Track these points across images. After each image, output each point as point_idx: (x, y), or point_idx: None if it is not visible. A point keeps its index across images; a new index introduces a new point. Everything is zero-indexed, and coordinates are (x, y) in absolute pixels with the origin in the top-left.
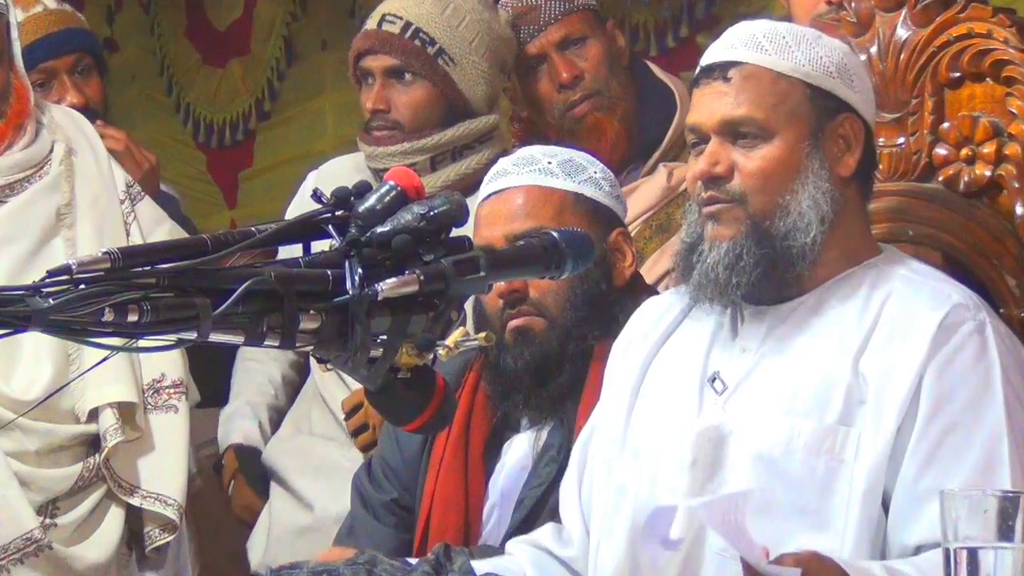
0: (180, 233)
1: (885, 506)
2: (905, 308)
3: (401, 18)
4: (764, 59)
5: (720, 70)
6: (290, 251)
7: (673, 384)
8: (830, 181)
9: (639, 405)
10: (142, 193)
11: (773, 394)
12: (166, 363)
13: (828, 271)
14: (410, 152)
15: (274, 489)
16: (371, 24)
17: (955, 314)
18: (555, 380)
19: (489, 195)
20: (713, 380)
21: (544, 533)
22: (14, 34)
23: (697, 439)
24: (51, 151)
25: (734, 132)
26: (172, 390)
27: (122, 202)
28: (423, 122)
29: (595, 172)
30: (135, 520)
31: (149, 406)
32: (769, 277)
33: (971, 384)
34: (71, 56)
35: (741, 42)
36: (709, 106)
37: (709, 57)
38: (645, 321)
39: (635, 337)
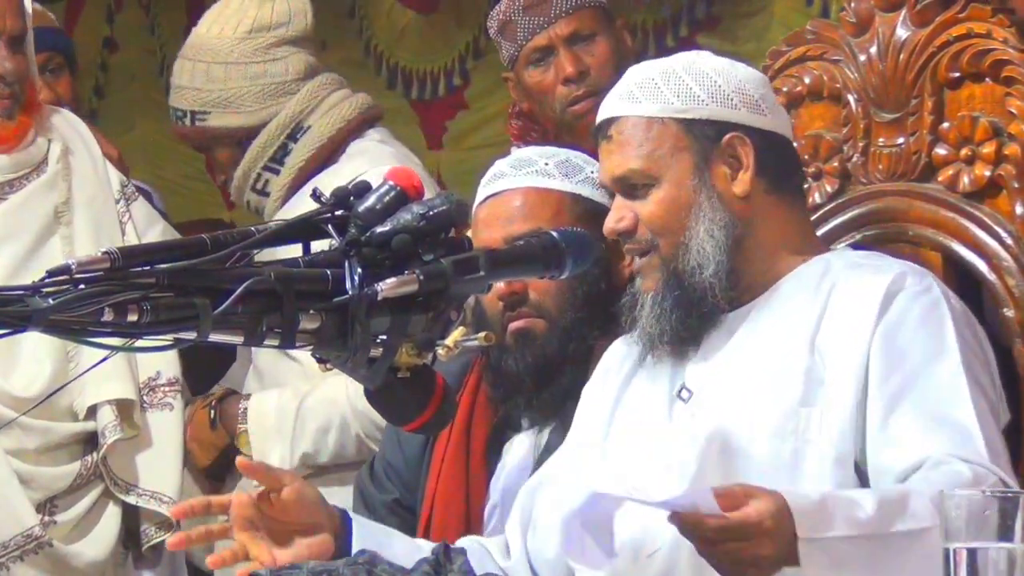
0: (174, 233)
1: (859, 473)
2: (853, 284)
3: (172, 107)
4: (635, 109)
5: (604, 129)
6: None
7: (645, 407)
8: (726, 208)
9: (614, 430)
10: (136, 193)
11: (735, 388)
12: (162, 361)
13: (773, 273)
14: (240, 199)
15: None
16: None
17: (900, 279)
18: (556, 381)
19: (486, 197)
20: (680, 392)
21: (491, 542)
22: (31, 24)
23: (668, 444)
24: (48, 150)
25: (627, 186)
26: (168, 388)
27: (117, 202)
28: (234, 169)
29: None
30: (131, 518)
31: (145, 404)
32: (689, 315)
33: (923, 339)
34: (42, 55)
35: (618, 95)
36: (604, 166)
37: (599, 113)
38: (615, 358)
39: (611, 369)
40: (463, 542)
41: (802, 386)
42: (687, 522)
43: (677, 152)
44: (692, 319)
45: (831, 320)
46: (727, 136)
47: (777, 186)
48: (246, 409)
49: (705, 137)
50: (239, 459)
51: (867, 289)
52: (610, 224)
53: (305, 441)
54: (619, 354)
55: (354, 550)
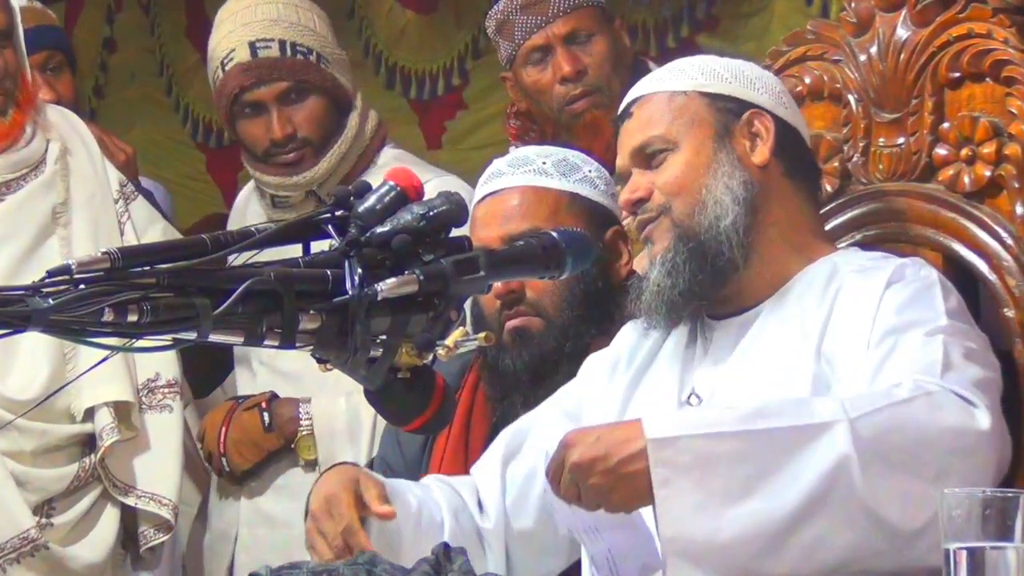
0: (173, 233)
1: None
2: (856, 288)
3: (274, 39)
4: (659, 86)
5: (626, 111)
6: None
7: (654, 408)
8: (744, 169)
9: None
10: (135, 192)
11: (745, 394)
12: (161, 363)
13: (783, 271)
14: (323, 175)
15: (242, 513)
16: (241, 57)
17: (899, 271)
18: (553, 379)
19: (484, 196)
20: (689, 397)
21: (465, 486)
22: (18, 18)
23: None
24: (46, 150)
25: (645, 157)
26: (166, 390)
27: (116, 201)
28: (328, 131)
29: (589, 171)
30: (129, 520)
31: (144, 406)
32: (702, 269)
33: (909, 312)
34: (42, 53)
35: (644, 80)
36: (621, 146)
37: (623, 103)
38: (626, 345)
39: (622, 358)
40: (431, 483)
41: (811, 393)
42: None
43: (698, 121)
44: (706, 273)
45: (836, 326)
46: (748, 112)
47: (793, 174)
48: (308, 412)
49: (727, 111)
50: (387, 509)
51: (868, 289)
52: (624, 195)
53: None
54: (630, 342)
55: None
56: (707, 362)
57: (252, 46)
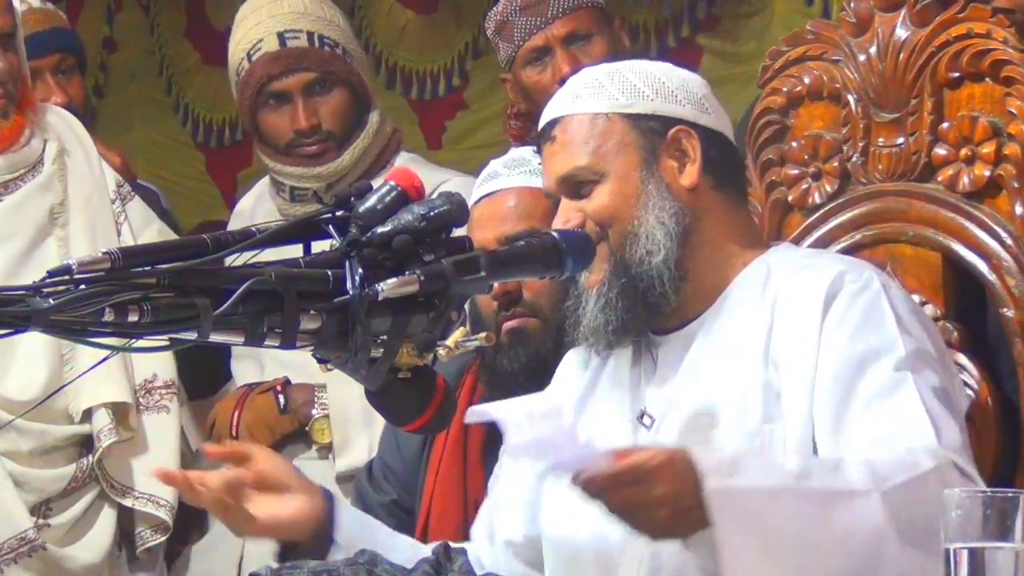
0: (169, 233)
1: None
2: (795, 291)
3: (302, 31)
4: (579, 106)
5: (547, 131)
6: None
7: (606, 430)
8: (674, 198)
9: None
10: (132, 193)
11: (697, 413)
12: (158, 363)
13: (719, 282)
14: (345, 168)
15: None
16: (269, 46)
17: (839, 280)
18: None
19: (481, 197)
20: (641, 417)
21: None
22: (19, 20)
23: None
24: (43, 150)
25: (573, 186)
26: (164, 390)
27: (113, 202)
28: (351, 126)
29: None
30: (126, 520)
31: (141, 407)
32: (636, 305)
33: (864, 338)
34: (55, 56)
35: (561, 97)
36: (547, 170)
37: (541, 118)
38: (570, 372)
39: (565, 385)
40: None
41: (762, 403)
42: (585, 480)
43: (623, 147)
44: (638, 308)
45: (780, 330)
46: (673, 130)
47: (722, 183)
48: (323, 397)
49: (651, 131)
50: (207, 446)
51: (808, 294)
52: (557, 224)
53: None
54: (572, 369)
55: (338, 526)
56: (655, 380)
57: (281, 36)
